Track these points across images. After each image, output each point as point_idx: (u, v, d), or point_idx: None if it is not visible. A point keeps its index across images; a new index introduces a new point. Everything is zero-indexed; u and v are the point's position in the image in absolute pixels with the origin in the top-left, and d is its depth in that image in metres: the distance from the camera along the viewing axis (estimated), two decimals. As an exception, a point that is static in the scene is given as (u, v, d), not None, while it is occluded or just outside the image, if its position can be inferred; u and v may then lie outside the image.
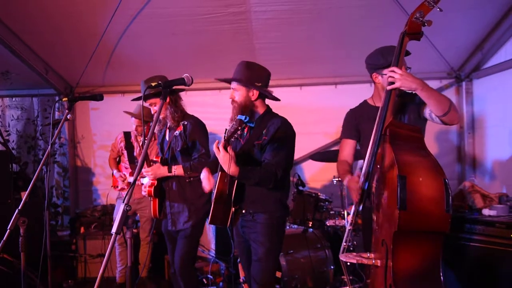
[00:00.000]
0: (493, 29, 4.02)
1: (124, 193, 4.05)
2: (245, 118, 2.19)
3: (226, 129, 2.24)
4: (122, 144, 4.11)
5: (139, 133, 4.02)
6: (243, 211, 2.47)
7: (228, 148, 2.23)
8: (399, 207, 1.70)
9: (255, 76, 2.44)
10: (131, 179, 3.96)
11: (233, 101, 2.47)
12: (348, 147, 2.51)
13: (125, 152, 4.08)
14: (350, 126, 2.50)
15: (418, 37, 2.03)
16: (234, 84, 2.47)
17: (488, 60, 4.41)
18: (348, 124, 2.53)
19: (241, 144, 2.49)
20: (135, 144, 4.07)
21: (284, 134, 2.41)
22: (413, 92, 2.37)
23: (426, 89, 2.00)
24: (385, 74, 2.17)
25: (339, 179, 3.97)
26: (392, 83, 2.01)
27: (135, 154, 4.06)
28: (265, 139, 2.38)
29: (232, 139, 2.19)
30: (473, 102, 4.76)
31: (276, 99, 2.56)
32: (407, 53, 2.24)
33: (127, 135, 4.12)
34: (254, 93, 2.45)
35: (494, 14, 3.84)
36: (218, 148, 2.23)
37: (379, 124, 2.01)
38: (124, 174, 4.03)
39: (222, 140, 2.24)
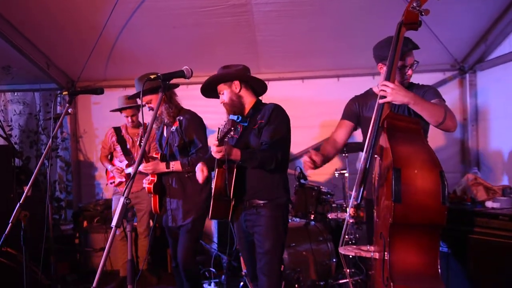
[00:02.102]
0: (497, 20, 3.97)
1: (121, 188, 4.04)
2: (238, 118, 2.19)
3: (218, 128, 2.24)
4: (114, 139, 4.11)
5: (135, 124, 4.02)
6: (247, 205, 2.46)
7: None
8: (393, 200, 1.69)
9: (231, 72, 2.54)
10: (128, 170, 3.96)
11: (223, 104, 2.54)
12: (343, 127, 2.48)
13: (117, 147, 4.09)
14: (351, 112, 2.47)
15: (415, 27, 2.01)
16: (218, 88, 2.56)
17: (492, 52, 4.36)
18: (349, 109, 2.50)
19: (236, 139, 2.51)
20: (126, 137, 4.09)
21: (279, 116, 2.44)
22: (419, 84, 2.36)
23: (418, 103, 2.00)
24: None
25: (341, 171, 3.96)
26: (384, 97, 1.99)
27: (128, 147, 4.07)
28: (261, 122, 2.41)
29: (226, 139, 2.20)
30: (476, 94, 4.72)
31: (264, 86, 2.61)
32: (416, 47, 2.21)
33: (117, 129, 4.14)
34: (236, 85, 2.51)
35: (498, 5, 3.80)
36: (212, 149, 2.25)
37: (377, 116, 2.00)
38: (121, 167, 4.01)
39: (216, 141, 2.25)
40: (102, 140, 5.12)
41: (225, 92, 2.52)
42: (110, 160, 4.21)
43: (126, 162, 4.04)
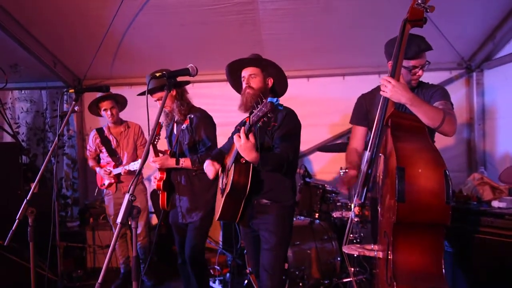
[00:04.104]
0: (504, 18, 3.93)
1: (111, 189, 4.01)
2: (276, 101, 1.90)
3: (249, 115, 2.11)
4: (98, 140, 4.03)
5: (115, 119, 3.92)
6: (255, 203, 2.45)
7: (250, 136, 2.12)
8: (397, 199, 1.69)
9: (277, 68, 2.51)
10: (116, 171, 3.91)
11: (248, 87, 2.45)
12: (357, 134, 2.50)
13: (103, 148, 4.02)
14: (360, 112, 2.47)
15: (420, 24, 1.99)
16: (252, 70, 2.48)
17: (500, 50, 4.32)
18: (358, 110, 2.50)
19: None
20: (110, 137, 4.02)
21: (292, 121, 2.43)
22: (429, 83, 2.35)
23: (416, 104, 1.98)
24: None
25: (346, 170, 3.95)
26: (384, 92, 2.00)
27: (113, 147, 4.01)
28: (275, 125, 2.38)
29: (260, 124, 2.00)
30: (483, 93, 4.69)
31: (286, 86, 2.61)
32: (429, 48, 2.19)
33: (100, 131, 4.06)
34: (270, 82, 2.51)
35: (506, 3, 3.76)
36: (239, 136, 2.12)
37: (381, 115, 1.99)
38: (109, 169, 3.94)
39: (246, 126, 2.10)
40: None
41: (258, 79, 2.47)
42: (98, 162, 4.14)
43: (113, 163, 3.99)
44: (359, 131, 2.49)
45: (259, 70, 2.49)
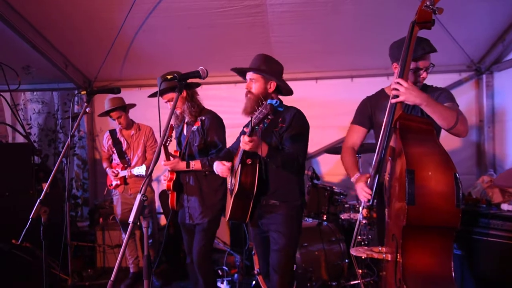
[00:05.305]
0: (515, 20, 3.92)
1: (118, 190, 4.06)
2: (276, 103, 1.98)
3: (251, 117, 2.16)
4: (110, 142, 4.11)
5: (124, 126, 4.01)
6: (263, 203, 2.47)
7: (254, 136, 2.18)
8: (407, 202, 1.68)
9: (273, 69, 2.49)
10: (123, 173, 3.96)
11: (249, 92, 2.48)
12: (356, 133, 2.47)
13: (114, 149, 4.09)
14: (363, 114, 2.46)
15: (428, 26, 1.99)
16: (252, 75, 2.49)
17: (510, 52, 4.30)
18: (361, 111, 2.48)
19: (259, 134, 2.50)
20: (121, 139, 4.08)
21: (300, 121, 2.45)
22: (433, 86, 2.35)
23: (430, 104, 1.97)
24: None
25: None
26: (397, 96, 1.97)
27: (123, 149, 4.07)
28: (282, 126, 2.38)
29: (261, 125, 2.07)
30: (493, 95, 4.66)
31: (291, 92, 2.58)
32: (433, 50, 2.20)
33: (112, 132, 4.14)
34: (272, 85, 2.50)
35: (516, 5, 3.74)
36: (244, 139, 2.19)
37: (389, 117, 1.99)
38: (117, 170, 4.01)
39: (249, 128, 2.17)
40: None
41: (258, 84, 2.47)
42: (111, 162, 4.21)
43: (121, 164, 4.04)
44: (359, 130, 2.46)
45: (258, 75, 2.48)
